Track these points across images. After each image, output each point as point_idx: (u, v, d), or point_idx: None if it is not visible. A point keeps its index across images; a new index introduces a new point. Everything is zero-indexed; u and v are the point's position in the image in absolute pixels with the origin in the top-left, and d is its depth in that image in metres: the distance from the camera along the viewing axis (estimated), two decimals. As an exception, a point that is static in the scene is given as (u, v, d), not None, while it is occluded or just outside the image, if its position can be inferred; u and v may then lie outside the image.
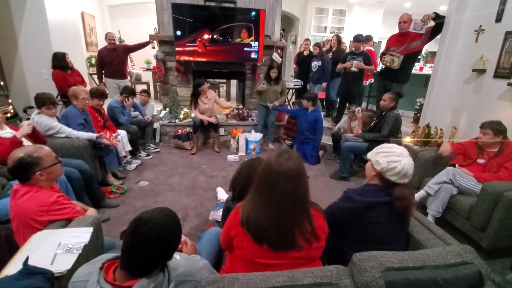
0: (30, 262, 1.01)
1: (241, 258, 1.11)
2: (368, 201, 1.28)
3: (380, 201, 1.27)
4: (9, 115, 3.57)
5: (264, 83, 4.07)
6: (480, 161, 2.31)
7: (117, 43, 4.58)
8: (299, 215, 1.05)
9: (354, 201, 1.31)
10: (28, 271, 0.97)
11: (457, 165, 2.38)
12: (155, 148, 4.02)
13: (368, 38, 5.03)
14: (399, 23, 3.42)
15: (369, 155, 1.38)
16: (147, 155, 3.73)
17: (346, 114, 3.85)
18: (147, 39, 4.30)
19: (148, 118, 3.93)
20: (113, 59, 4.37)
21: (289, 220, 1.03)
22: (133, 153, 3.59)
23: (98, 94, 3.06)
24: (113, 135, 3.10)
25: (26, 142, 2.12)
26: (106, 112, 3.33)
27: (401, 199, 1.23)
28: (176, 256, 0.96)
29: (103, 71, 4.45)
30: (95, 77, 5.10)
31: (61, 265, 1.09)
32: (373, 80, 4.89)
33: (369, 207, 1.28)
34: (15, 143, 1.98)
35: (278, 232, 1.03)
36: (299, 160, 1.06)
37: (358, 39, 4.06)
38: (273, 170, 1.02)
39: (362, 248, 1.05)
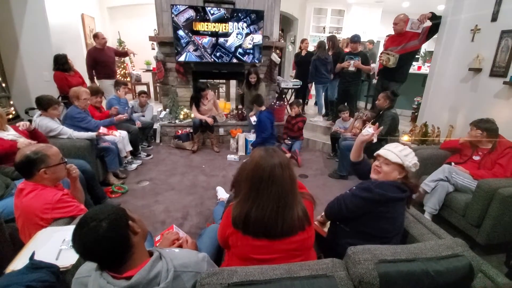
0: (36, 257, 1.04)
1: (238, 255, 1.15)
2: (387, 195, 1.30)
3: (397, 197, 1.32)
4: (10, 116, 3.61)
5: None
6: (475, 158, 2.34)
7: (117, 44, 4.63)
8: (296, 198, 1.13)
9: (373, 193, 1.31)
10: (34, 265, 1.01)
11: (453, 163, 2.41)
12: (148, 146, 4.07)
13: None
14: (393, 24, 3.48)
15: (394, 158, 1.37)
16: (148, 155, 3.77)
17: (342, 113, 3.89)
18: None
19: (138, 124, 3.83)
20: (106, 58, 4.34)
21: (290, 204, 1.10)
22: (134, 154, 3.63)
23: (93, 91, 3.15)
24: (114, 132, 3.15)
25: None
26: (106, 109, 3.41)
27: (416, 187, 1.40)
28: (176, 250, 1.00)
29: (95, 72, 4.42)
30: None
31: (66, 260, 1.13)
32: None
33: (386, 201, 1.31)
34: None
35: (284, 219, 1.08)
36: (280, 151, 1.17)
37: (354, 40, 4.10)
38: (267, 165, 1.08)
39: (364, 242, 1.07)
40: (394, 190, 1.32)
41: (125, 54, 4.98)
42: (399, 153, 1.38)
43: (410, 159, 1.38)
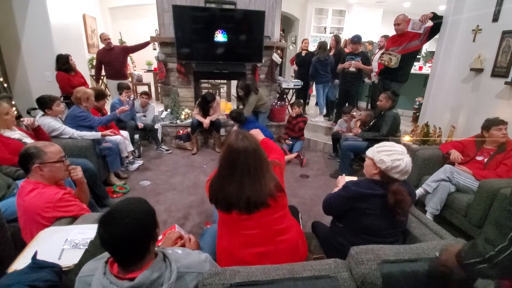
0: (39, 257, 1.04)
1: (227, 228, 1.30)
2: (361, 191, 1.34)
3: (373, 193, 1.33)
4: (12, 116, 3.62)
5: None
6: (479, 158, 2.33)
7: (118, 44, 4.62)
8: (262, 179, 1.23)
9: (349, 190, 1.38)
10: (36, 265, 1.01)
11: (456, 163, 2.40)
12: (167, 150, 4.05)
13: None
14: (394, 25, 3.48)
15: (370, 153, 1.41)
16: (138, 156, 3.73)
17: (344, 116, 3.89)
18: (148, 40, 4.35)
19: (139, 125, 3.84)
20: (112, 59, 4.37)
21: (256, 184, 1.21)
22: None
23: (98, 94, 3.14)
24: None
25: (30, 141, 2.16)
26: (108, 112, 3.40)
27: (395, 193, 1.28)
28: (178, 250, 1.00)
29: (103, 73, 4.47)
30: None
31: (68, 260, 1.13)
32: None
33: (363, 197, 1.33)
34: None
35: (249, 197, 1.19)
36: (252, 137, 1.28)
37: (355, 40, 4.10)
38: (233, 150, 1.22)
39: (357, 240, 1.09)
40: (370, 187, 1.35)
41: (145, 44, 4.65)
42: (376, 148, 1.41)
43: (382, 156, 1.33)
